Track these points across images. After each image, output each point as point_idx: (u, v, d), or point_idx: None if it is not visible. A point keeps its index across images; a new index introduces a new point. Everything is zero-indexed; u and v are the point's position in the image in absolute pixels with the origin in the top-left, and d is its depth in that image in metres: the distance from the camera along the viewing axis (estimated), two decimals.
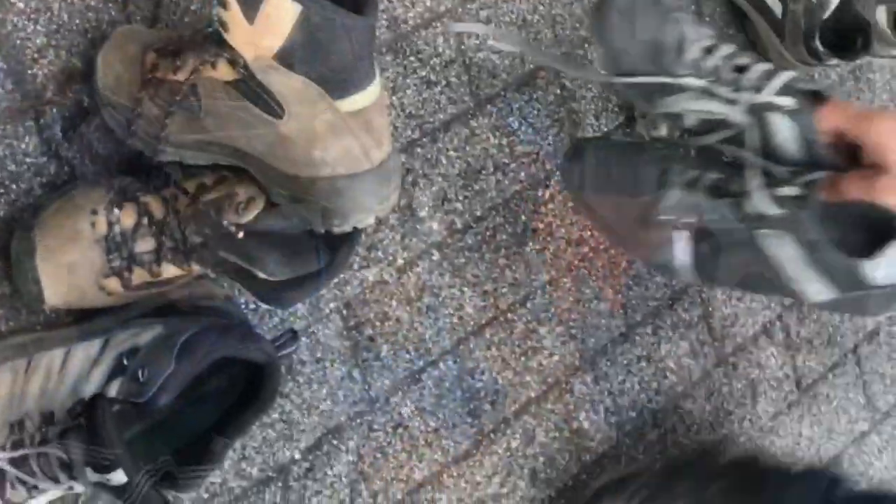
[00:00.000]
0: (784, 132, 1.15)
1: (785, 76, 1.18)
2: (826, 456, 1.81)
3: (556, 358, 1.50)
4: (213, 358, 1.08)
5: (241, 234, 1.07)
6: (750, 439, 1.71)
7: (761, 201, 1.13)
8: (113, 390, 1.03)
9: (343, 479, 1.33)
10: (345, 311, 1.32)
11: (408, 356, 1.38)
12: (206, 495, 1.24)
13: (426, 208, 1.38)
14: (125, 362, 1.05)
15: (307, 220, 1.08)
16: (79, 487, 1.03)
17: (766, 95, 1.16)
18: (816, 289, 1.14)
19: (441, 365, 1.40)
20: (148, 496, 1.00)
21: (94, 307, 1.12)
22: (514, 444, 1.47)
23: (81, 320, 1.12)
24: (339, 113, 1.01)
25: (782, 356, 1.73)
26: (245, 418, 1.13)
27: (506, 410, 1.46)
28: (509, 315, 1.46)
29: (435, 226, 1.39)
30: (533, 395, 1.49)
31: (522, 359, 1.47)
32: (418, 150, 1.37)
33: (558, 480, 1.51)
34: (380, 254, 1.34)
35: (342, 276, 1.31)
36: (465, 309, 1.42)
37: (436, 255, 1.39)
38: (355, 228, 1.09)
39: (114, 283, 1.10)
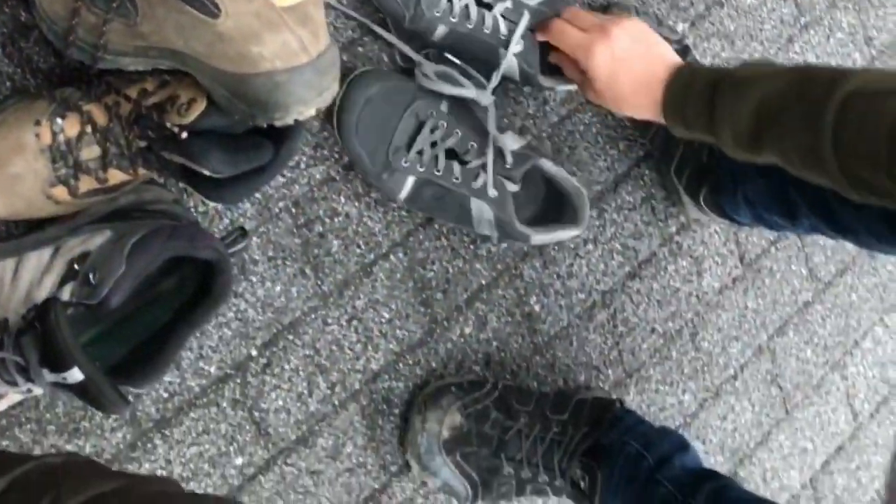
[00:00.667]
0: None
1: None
2: (772, 326, 1.85)
3: (504, 245, 1.53)
4: (164, 258, 1.09)
5: (184, 135, 1.08)
6: (697, 314, 1.76)
7: (484, 181, 1.37)
8: (65, 294, 1.04)
9: (300, 372, 1.35)
10: (294, 210, 1.34)
11: (359, 250, 1.40)
12: (165, 395, 1.26)
13: None
14: (76, 267, 1.06)
15: (249, 116, 1.09)
16: (37, 390, 1.05)
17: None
18: (486, 234, 1.43)
19: (392, 257, 1.43)
20: (106, 393, 1.02)
21: (43, 217, 1.13)
22: (467, 331, 1.50)
23: (31, 230, 1.13)
24: (275, 8, 1.01)
25: (725, 233, 1.77)
26: (198, 314, 1.15)
27: (457, 298, 1.49)
28: None
29: None
30: (484, 282, 1.51)
31: (472, 247, 1.50)
32: (359, 49, 1.37)
33: (512, 363, 1.55)
34: (326, 152, 1.36)
35: (289, 175, 1.33)
36: None
37: None
38: (297, 121, 1.10)
39: (61, 192, 1.11)
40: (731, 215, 1.63)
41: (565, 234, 1.46)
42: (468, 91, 1.36)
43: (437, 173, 1.36)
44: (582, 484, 1.49)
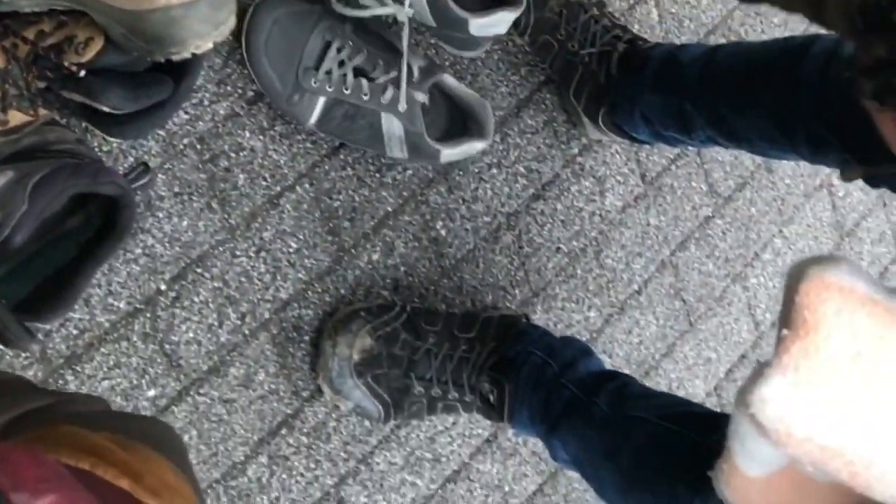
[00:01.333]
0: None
1: None
2: (674, 242, 1.91)
3: (409, 172, 1.56)
4: (67, 195, 1.11)
5: (82, 73, 1.10)
6: (601, 232, 1.81)
7: (393, 94, 1.40)
8: None
9: (210, 304, 1.39)
10: (199, 146, 1.36)
11: (265, 183, 1.43)
12: (75, 331, 1.29)
13: None
14: None
15: (147, 53, 1.11)
16: None
17: None
18: (397, 154, 1.45)
19: (298, 188, 1.46)
20: (12, 329, 1.05)
21: None
22: (374, 257, 1.54)
23: None
24: None
25: (626, 153, 1.82)
26: (104, 249, 1.17)
27: (364, 226, 1.53)
28: None
29: None
30: (390, 209, 1.55)
31: (377, 175, 1.53)
32: None
33: (420, 287, 1.59)
34: (229, 88, 1.38)
35: (193, 112, 1.35)
36: (317, 133, 1.46)
37: None
38: (195, 56, 1.12)
39: None
40: (629, 134, 1.68)
41: (473, 146, 1.48)
42: (388, 8, 1.38)
43: (346, 92, 1.39)
44: (491, 397, 1.54)
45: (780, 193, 2.07)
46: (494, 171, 1.66)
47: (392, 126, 1.42)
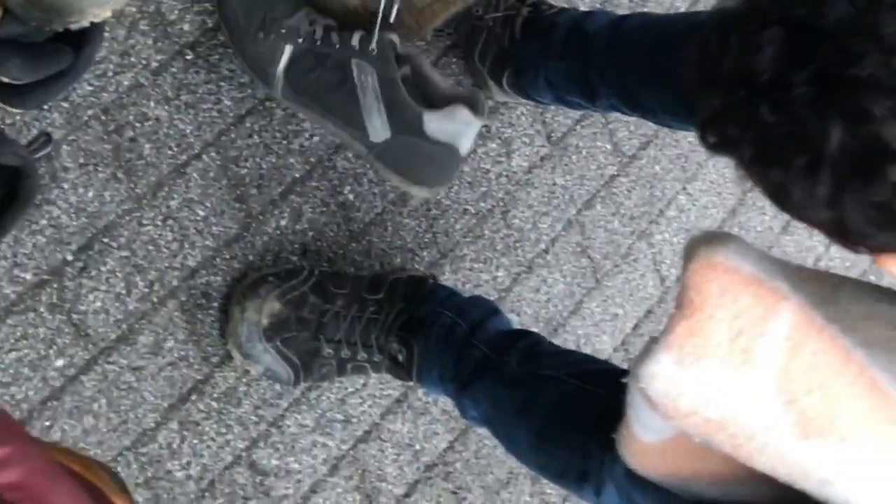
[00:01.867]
0: None
1: None
2: (580, 201, 1.95)
3: (316, 139, 1.58)
4: None
5: None
6: (508, 192, 1.84)
7: (363, 38, 1.38)
8: None
9: (117, 273, 1.40)
10: (103, 117, 1.37)
11: (171, 152, 1.44)
12: None
13: (176, 11, 1.41)
14: None
15: (45, 22, 1.12)
16: None
17: None
18: (378, 124, 1.41)
19: (205, 157, 1.47)
20: None
21: None
22: (282, 223, 1.56)
23: None
24: None
25: (532, 114, 1.85)
26: (6, 220, 1.18)
27: (272, 192, 1.54)
28: (267, 104, 1.52)
29: (187, 27, 1.42)
30: (297, 175, 1.57)
31: (284, 142, 1.54)
32: None
33: (329, 252, 1.61)
34: (133, 59, 1.38)
35: (97, 83, 1.35)
36: (223, 102, 1.47)
37: (190, 55, 1.43)
38: (94, 24, 1.13)
39: None
40: (533, 97, 1.72)
41: (464, 115, 1.40)
42: None
43: (316, 41, 1.38)
44: (400, 357, 1.57)
45: (683, 151, 2.11)
46: None
47: (365, 74, 1.39)
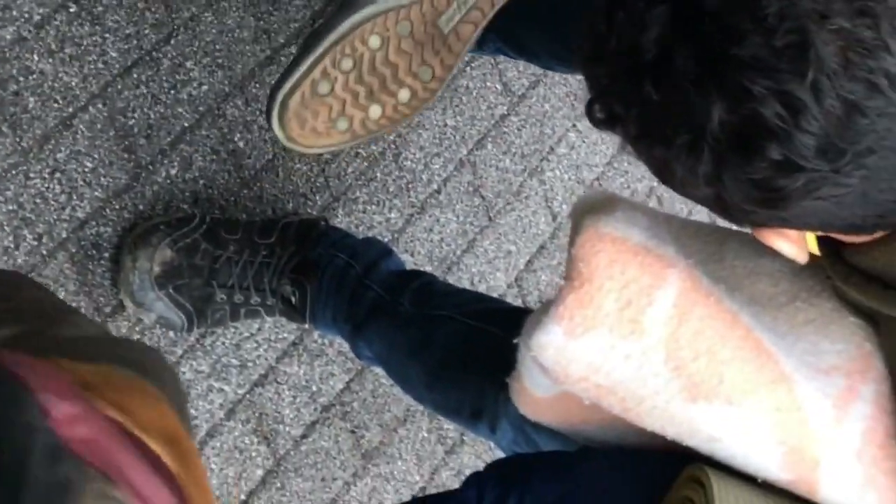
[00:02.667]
0: None
1: None
2: (471, 141, 1.98)
3: (205, 87, 1.59)
4: None
5: None
6: (399, 135, 1.86)
7: None
8: None
9: (5, 227, 1.40)
10: None
11: (57, 105, 1.44)
12: None
13: None
14: None
15: None
16: None
17: None
18: None
19: (91, 109, 1.47)
20: None
21: None
22: (172, 172, 1.57)
23: None
24: None
25: None
26: None
27: (161, 142, 1.55)
28: (154, 54, 1.52)
29: None
30: (186, 124, 1.58)
31: (172, 92, 1.55)
32: None
33: (220, 199, 1.63)
34: (14, 13, 1.38)
35: None
36: (108, 54, 1.47)
37: (73, 7, 1.43)
38: None
39: None
40: None
41: None
42: None
43: None
44: (293, 300, 1.59)
45: (572, 89, 2.15)
46: None
47: None
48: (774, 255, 1.12)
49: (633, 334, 1.01)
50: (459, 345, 1.49)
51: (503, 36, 1.61)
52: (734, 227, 1.05)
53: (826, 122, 0.84)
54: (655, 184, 2.36)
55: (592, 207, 1.07)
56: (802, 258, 0.99)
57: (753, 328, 1.03)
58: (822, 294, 1.09)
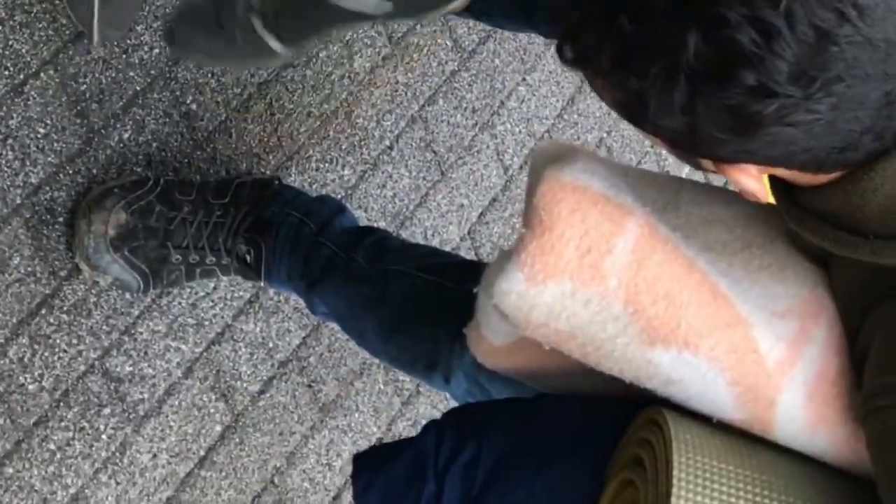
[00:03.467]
0: None
1: None
2: (423, 97, 2.00)
3: (156, 51, 1.60)
4: None
5: None
6: (351, 93, 1.88)
7: None
8: None
9: None
10: None
11: (7, 72, 1.45)
12: None
13: None
14: None
15: None
16: None
17: None
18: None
19: (42, 75, 1.48)
20: None
21: None
22: (125, 136, 1.58)
23: None
24: None
25: None
26: None
27: (113, 106, 1.57)
28: None
29: None
30: (138, 88, 1.59)
31: (123, 57, 1.56)
32: None
33: (174, 161, 1.64)
34: None
35: None
36: (59, 21, 1.48)
37: None
38: None
39: None
40: None
41: None
42: None
43: None
44: (248, 258, 1.62)
45: (522, 44, 2.17)
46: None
47: None
48: (728, 202, 1.16)
49: (594, 280, 1.04)
50: (413, 298, 1.52)
51: None
52: (687, 178, 1.08)
53: (798, 49, 0.88)
54: (605, 135, 2.39)
55: (553, 157, 1.09)
56: (762, 196, 1.02)
57: (709, 273, 1.06)
58: (776, 240, 1.12)
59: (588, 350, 1.08)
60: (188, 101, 1.65)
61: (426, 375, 1.52)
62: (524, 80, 2.19)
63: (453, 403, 2.04)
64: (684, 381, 1.06)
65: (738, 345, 1.04)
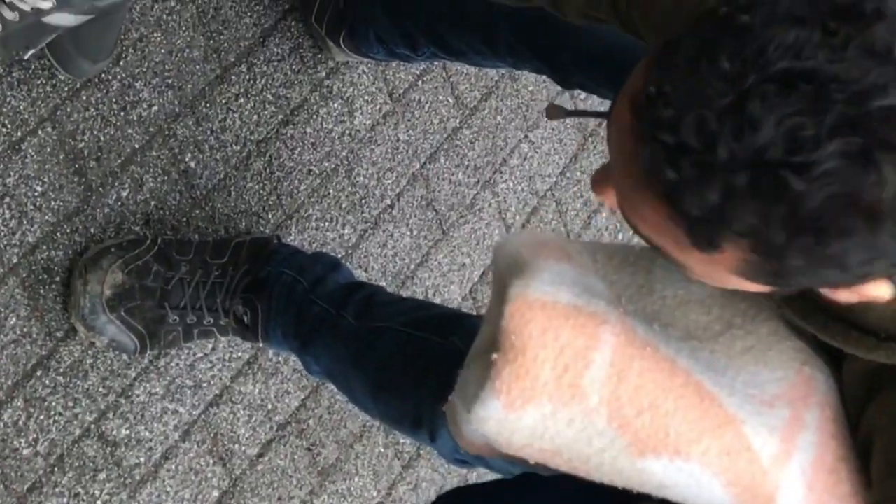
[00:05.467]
0: None
1: None
2: (424, 154, 1.98)
3: (155, 108, 1.57)
4: None
5: None
6: (352, 151, 1.86)
7: None
8: None
9: None
10: None
11: (5, 129, 1.42)
12: None
13: None
14: None
15: None
16: None
17: None
18: None
19: (40, 132, 1.46)
20: None
21: None
22: (124, 194, 1.56)
23: None
24: None
25: (373, 72, 1.86)
26: None
27: (112, 164, 1.54)
28: (103, 76, 1.51)
29: None
30: (137, 145, 1.57)
31: (122, 114, 1.54)
32: None
33: (172, 220, 1.62)
34: None
35: None
36: (57, 77, 1.46)
37: None
38: None
39: None
40: (369, 54, 1.76)
41: None
42: None
43: None
44: (245, 319, 1.59)
45: (524, 100, 2.15)
46: (242, 100, 1.68)
47: None
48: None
49: (574, 399, 0.99)
50: (398, 355, 1.50)
51: (432, 39, 1.67)
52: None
53: None
54: None
55: (516, 265, 1.03)
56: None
57: (693, 371, 1.01)
58: (756, 318, 1.07)
59: (576, 465, 1.04)
60: (187, 159, 1.63)
61: (412, 433, 1.50)
62: (526, 137, 2.17)
63: (454, 469, 2.01)
64: (679, 486, 1.02)
65: (731, 446, 1.00)
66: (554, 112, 1.33)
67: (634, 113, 0.83)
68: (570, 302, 1.00)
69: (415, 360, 1.48)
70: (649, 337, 1.02)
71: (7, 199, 1.43)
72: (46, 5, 1.25)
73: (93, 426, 1.54)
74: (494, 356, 1.00)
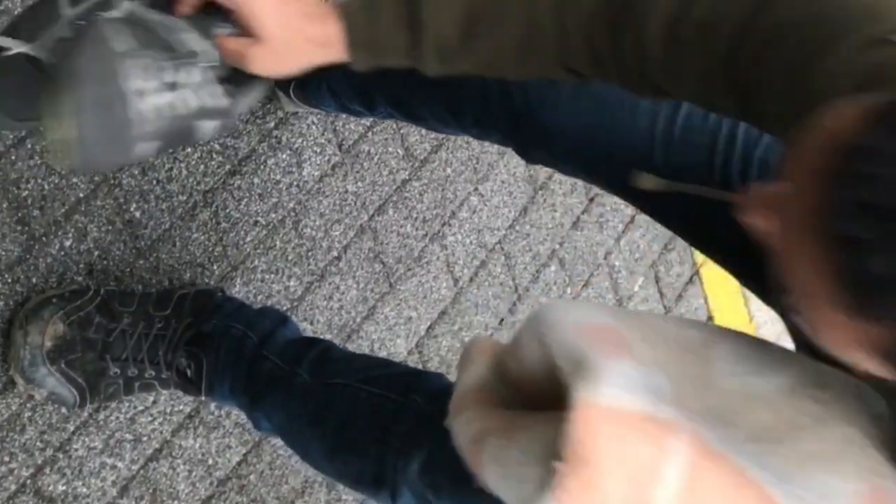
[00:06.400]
0: None
1: None
2: (372, 206, 1.96)
3: None
4: None
5: None
6: (299, 202, 1.83)
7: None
8: None
9: None
10: None
11: None
12: None
13: None
14: None
15: None
16: None
17: None
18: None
19: None
20: None
21: None
22: (67, 244, 1.53)
23: None
24: None
25: (323, 123, 1.85)
26: None
27: (55, 213, 1.51)
28: None
29: None
30: (81, 195, 1.54)
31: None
32: None
33: (116, 270, 1.59)
34: None
35: None
36: None
37: None
38: None
39: None
40: (319, 106, 1.74)
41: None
42: None
43: None
44: (188, 372, 1.56)
45: (474, 153, 2.14)
46: (189, 150, 1.66)
47: None
48: (760, 367, 1.04)
49: None
50: (357, 414, 1.48)
51: (391, 102, 1.62)
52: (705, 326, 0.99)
53: None
54: (557, 246, 2.36)
55: (578, 368, 0.97)
56: None
57: (763, 483, 0.95)
58: (829, 422, 1.02)
59: None
60: (132, 209, 1.60)
61: (373, 491, 1.47)
62: (476, 189, 2.16)
63: None
64: None
65: None
66: (649, 182, 1.24)
67: (841, 158, 0.79)
68: (639, 408, 0.94)
69: (375, 418, 1.45)
70: (718, 444, 0.96)
71: None
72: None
73: (28, 481, 1.50)
74: (558, 465, 0.93)
